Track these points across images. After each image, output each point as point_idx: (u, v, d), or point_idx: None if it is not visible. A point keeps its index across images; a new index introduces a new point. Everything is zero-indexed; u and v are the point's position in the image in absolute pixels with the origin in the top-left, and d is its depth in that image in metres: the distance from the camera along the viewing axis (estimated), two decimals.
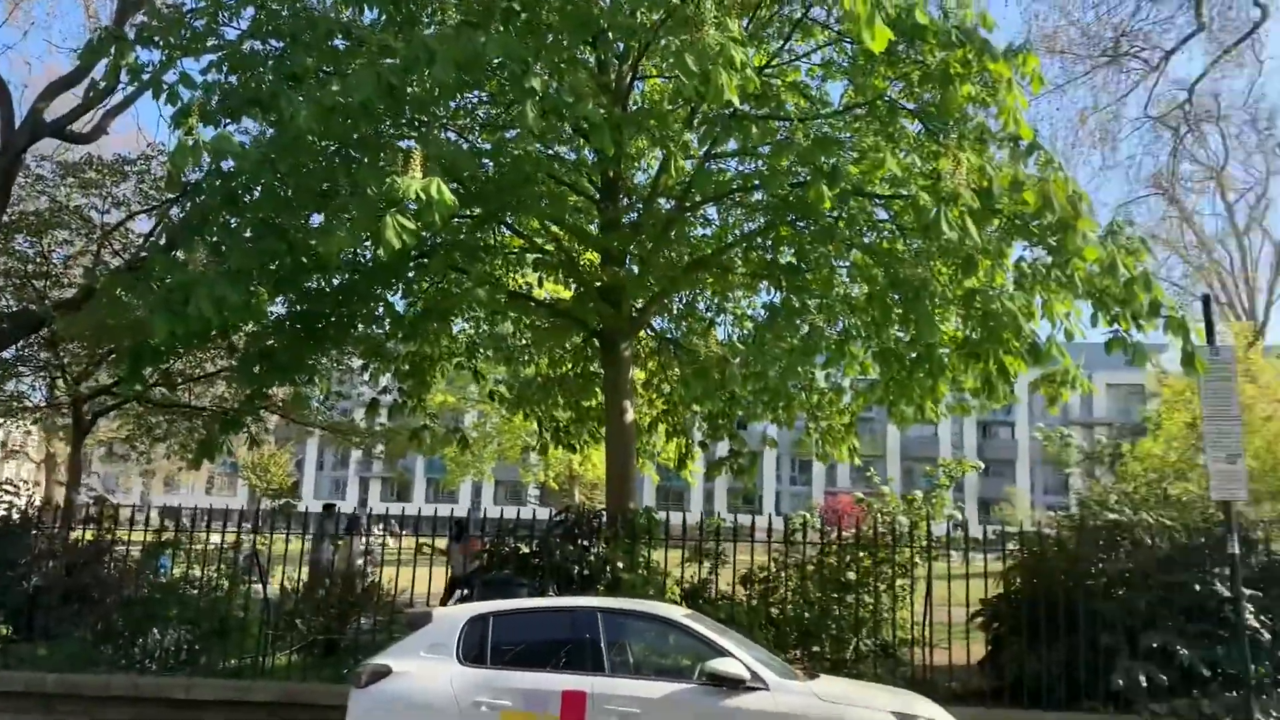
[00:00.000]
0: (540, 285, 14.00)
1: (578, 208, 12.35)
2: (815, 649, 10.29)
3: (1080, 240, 8.92)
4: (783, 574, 10.99)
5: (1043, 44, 22.78)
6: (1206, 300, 10.91)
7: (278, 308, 11.63)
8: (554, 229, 12.67)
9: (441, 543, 14.12)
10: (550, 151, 11.32)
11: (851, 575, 10.82)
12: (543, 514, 11.72)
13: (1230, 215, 39.91)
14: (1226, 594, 9.24)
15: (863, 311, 11.85)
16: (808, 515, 12.19)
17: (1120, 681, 9.14)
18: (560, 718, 6.67)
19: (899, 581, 10.94)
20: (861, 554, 10.94)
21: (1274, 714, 8.83)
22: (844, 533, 11.07)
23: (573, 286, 13.59)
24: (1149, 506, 10.91)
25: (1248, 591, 9.23)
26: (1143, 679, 9.10)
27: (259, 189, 9.67)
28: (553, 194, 11.27)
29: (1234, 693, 8.98)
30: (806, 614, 10.60)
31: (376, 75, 7.85)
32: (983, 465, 36.87)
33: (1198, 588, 9.50)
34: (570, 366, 15.21)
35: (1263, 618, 9.43)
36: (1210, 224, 43.54)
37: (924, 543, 10.84)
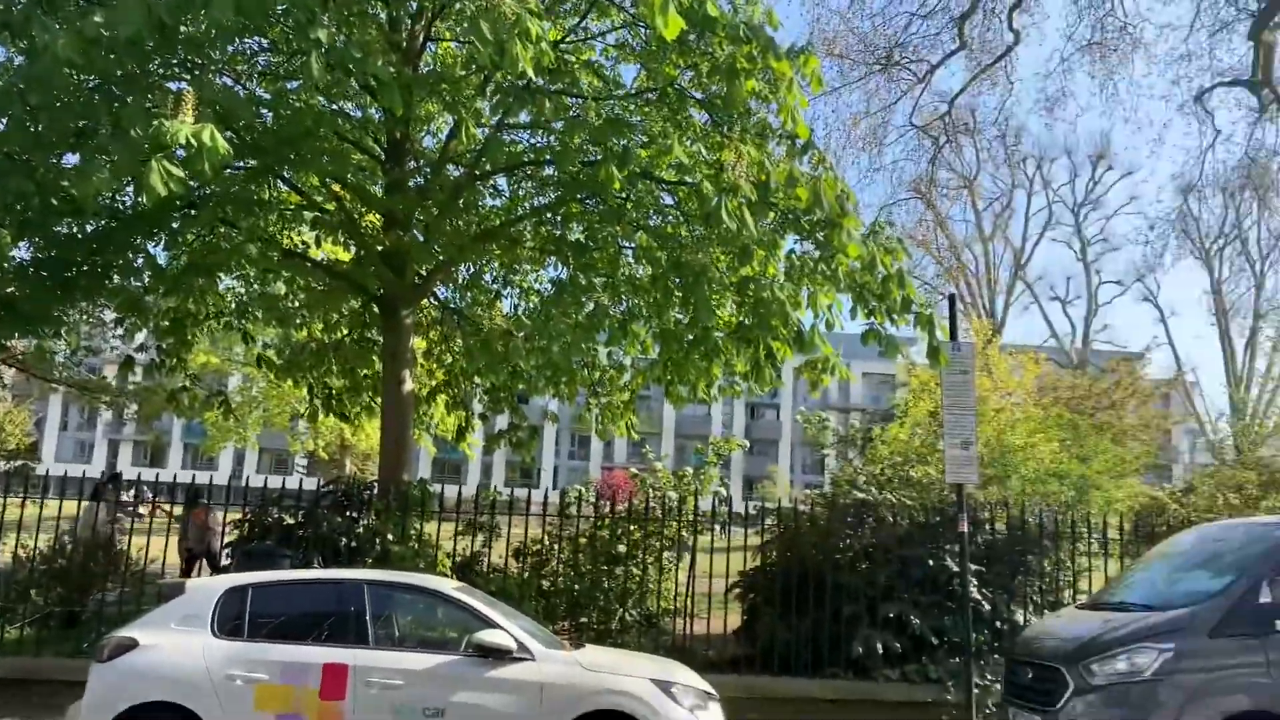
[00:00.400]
0: (318, 245, 13.43)
1: (362, 167, 11.96)
2: (584, 620, 10.53)
3: (845, 237, 9.50)
4: (556, 547, 11.15)
5: (823, 47, 23.90)
6: (952, 299, 11.89)
7: (22, 253, 10.64)
8: (335, 187, 12.21)
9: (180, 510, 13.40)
10: (334, 107, 10.90)
11: (622, 548, 11.13)
12: (310, 484, 11.35)
13: (979, 222, 43.76)
14: (955, 569, 10.17)
15: (645, 292, 12.14)
16: (584, 489, 12.41)
17: (859, 649, 9.92)
18: (320, 690, 6.56)
19: (666, 554, 11.35)
20: (633, 528, 11.26)
21: (990, 677, 9.80)
22: (617, 507, 11.35)
23: (353, 249, 13.17)
24: (893, 487, 11.83)
25: (973, 566, 10.19)
26: (879, 646, 9.91)
27: (4, 122, 8.81)
28: (335, 151, 10.85)
29: (957, 658, 9.91)
30: (577, 586, 10.82)
31: (147, 9, 7.27)
32: (749, 444, 38.76)
33: (931, 562, 10.42)
34: (347, 332, 14.73)
35: (984, 590, 10.46)
36: (961, 229, 46.95)
37: (691, 517, 11.29)
